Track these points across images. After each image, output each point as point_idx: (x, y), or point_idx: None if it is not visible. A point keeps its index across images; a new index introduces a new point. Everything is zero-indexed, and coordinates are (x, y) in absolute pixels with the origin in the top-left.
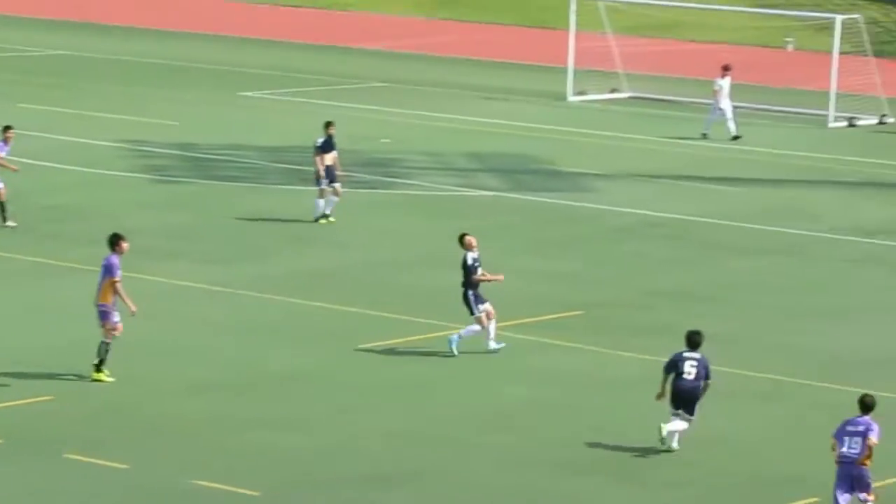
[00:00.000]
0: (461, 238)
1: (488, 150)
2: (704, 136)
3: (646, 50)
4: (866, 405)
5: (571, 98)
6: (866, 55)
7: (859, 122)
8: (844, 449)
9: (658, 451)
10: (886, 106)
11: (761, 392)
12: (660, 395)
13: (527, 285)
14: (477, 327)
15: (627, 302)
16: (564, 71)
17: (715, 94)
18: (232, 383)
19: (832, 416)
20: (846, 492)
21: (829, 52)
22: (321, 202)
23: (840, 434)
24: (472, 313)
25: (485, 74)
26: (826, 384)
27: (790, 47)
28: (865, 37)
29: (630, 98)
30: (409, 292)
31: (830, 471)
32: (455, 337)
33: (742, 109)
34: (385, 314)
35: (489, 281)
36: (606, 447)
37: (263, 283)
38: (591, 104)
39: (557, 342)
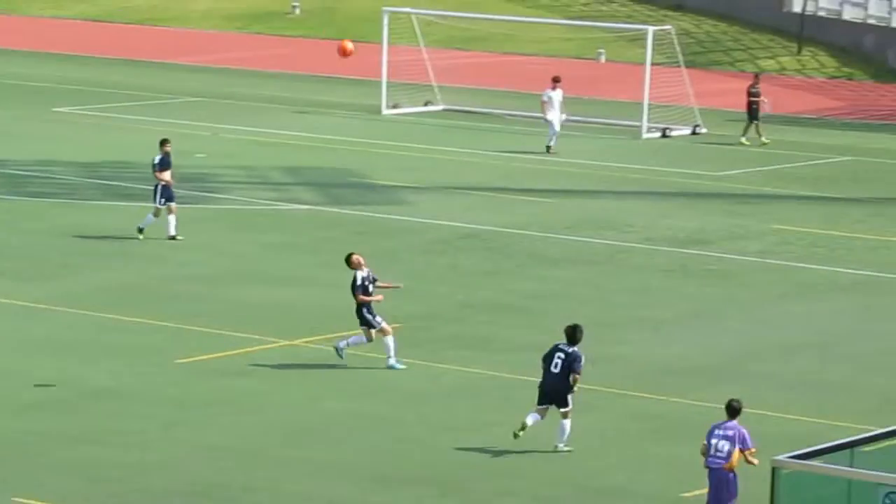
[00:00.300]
0: (348, 258)
1: (303, 163)
2: (548, 150)
3: (459, 63)
4: (734, 409)
5: (386, 111)
6: (678, 66)
7: (673, 133)
8: (712, 453)
9: (480, 462)
10: (699, 116)
11: (578, 403)
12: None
13: (344, 299)
14: (363, 339)
15: (444, 315)
16: (378, 84)
17: (543, 105)
18: (53, 401)
19: (649, 427)
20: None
21: (642, 64)
22: (152, 218)
23: (709, 438)
24: (372, 326)
25: (299, 88)
26: (641, 394)
27: (602, 59)
28: (677, 48)
29: (444, 111)
30: (225, 306)
31: (652, 480)
32: (342, 343)
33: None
34: (202, 329)
35: (389, 288)
36: (427, 459)
37: (80, 300)
38: (405, 117)
39: (376, 355)
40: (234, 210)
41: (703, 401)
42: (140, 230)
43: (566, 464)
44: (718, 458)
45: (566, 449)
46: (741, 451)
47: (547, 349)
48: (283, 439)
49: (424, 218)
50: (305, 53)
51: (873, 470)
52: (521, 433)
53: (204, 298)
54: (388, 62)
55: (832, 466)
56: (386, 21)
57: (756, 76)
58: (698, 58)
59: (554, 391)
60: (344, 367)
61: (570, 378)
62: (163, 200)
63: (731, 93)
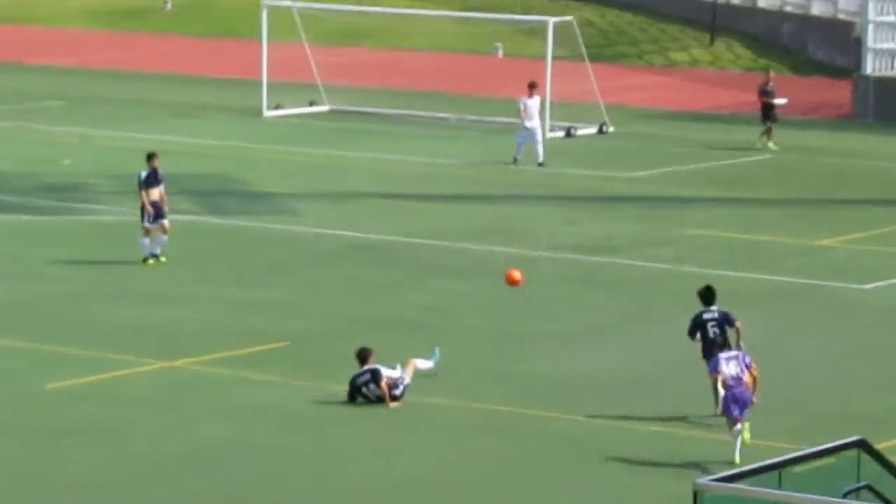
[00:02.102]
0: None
1: (180, 170)
2: (515, 162)
3: (345, 60)
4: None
5: (267, 113)
6: (582, 60)
7: (578, 132)
8: (729, 372)
9: (385, 496)
10: (605, 114)
11: (477, 424)
12: None
13: (226, 316)
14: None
15: (335, 331)
16: (258, 84)
17: (520, 112)
18: None
19: (555, 446)
20: (740, 410)
21: (542, 58)
22: (146, 241)
23: (718, 368)
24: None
25: (173, 90)
26: (548, 413)
27: (499, 53)
28: (580, 40)
29: (330, 111)
30: (95, 327)
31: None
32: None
33: (449, 122)
34: (71, 351)
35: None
36: (321, 495)
37: None
38: (289, 119)
39: (260, 377)
40: (104, 222)
41: (618, 419)
42: (144, 260)
43: (469, 493)
44: (738, 381)
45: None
46: (748, 370)
47: (689, 324)
48: (147, 472)
49: (313, 227)
50: (180, 51)
51: (803, 492)
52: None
53: (74, 319)
54: (268, 60)
55: (759, 489)
56: (264, 15)
57: (767, 72)
58: (604, 50)
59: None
60: (226, 389)
61: (735, 331)
62: (151, 218)
63: (639, 88)
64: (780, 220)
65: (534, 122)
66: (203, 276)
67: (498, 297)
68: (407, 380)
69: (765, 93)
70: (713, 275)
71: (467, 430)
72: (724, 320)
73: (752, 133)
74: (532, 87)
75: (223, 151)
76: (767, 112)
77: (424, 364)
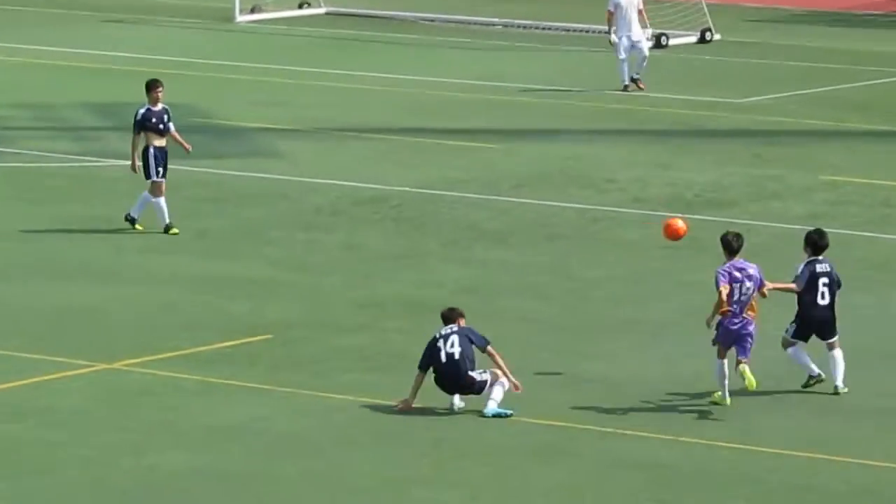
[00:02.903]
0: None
1: (121, 98)
2: (627, 89)
3: None
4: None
5: (241, 18)
6: None
7: (671, 41)
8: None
9: None
10: (709, 16)
11: (531, 446)
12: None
13: (189, 299)
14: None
15: (335, 320)
16: None
17: (608, 17)
18: None
19: (643, 477)
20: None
21: None
22: (161, 202)
23: (728, 280)
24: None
25: None
26: (631, 430)
27: None
28: None
29: (327, 14)
30: (11, 314)
31: None
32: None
33: (494, 28)
34: None
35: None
36: None
37: None
38: (270, 26)
39: (233, 382)
40: (17, 170)
41: (733, 440)
42: (132, 221)
43: None
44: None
45: (846, 390)
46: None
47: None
48: None
49: (304, 176)
50: None
51: None
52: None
53: None
54: None
55: None
56: None
57: None
58: None
59: (829, 325)
60: (186, 399)
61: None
62: (160, 171)
63: None
64: None
65: (629, 29)
66: (154, 244)
67: (561, 272)
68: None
69: None
70: (860, 237)
71: (517, 455)
72: (838, 282)
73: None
74: None
75: (180, 70)
76: None
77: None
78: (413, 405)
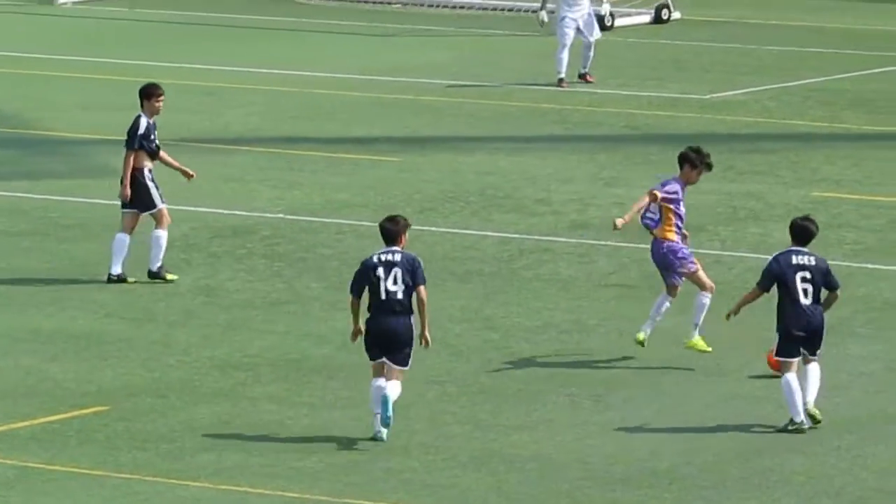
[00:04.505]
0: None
1: None
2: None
3: None
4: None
5: None
6: None
7: (620, 21)
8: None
9: None
10: None
11: None
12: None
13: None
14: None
15: (188, 386)
16: None
17: None
18: None
19: None
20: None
21: None
22: (161, 239)
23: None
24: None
25: None
26: None
27: None
28: None
29: None
30: None
31: None
32: None
33: (394, 7)
34: None
35: None
36: None
37: None
38: (102, 8)
39: (58, 466)
40: None
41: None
42: (160, 274)
43: None
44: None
45: (816, 412)
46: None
47: (767, 269)
48: None
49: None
50: None
51: None
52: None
53: None
54: None
55: None
56: None
57: None
58: None
59: (812, 333)
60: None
61: (829, 300)
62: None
63: None
64: None
65: (583, 13)
66: None
67: (479, 318)
68: None
69: None
70: (861, 270)
71: None
72: (824, 276)
73: None
74: None
75: None
76: None
77: None
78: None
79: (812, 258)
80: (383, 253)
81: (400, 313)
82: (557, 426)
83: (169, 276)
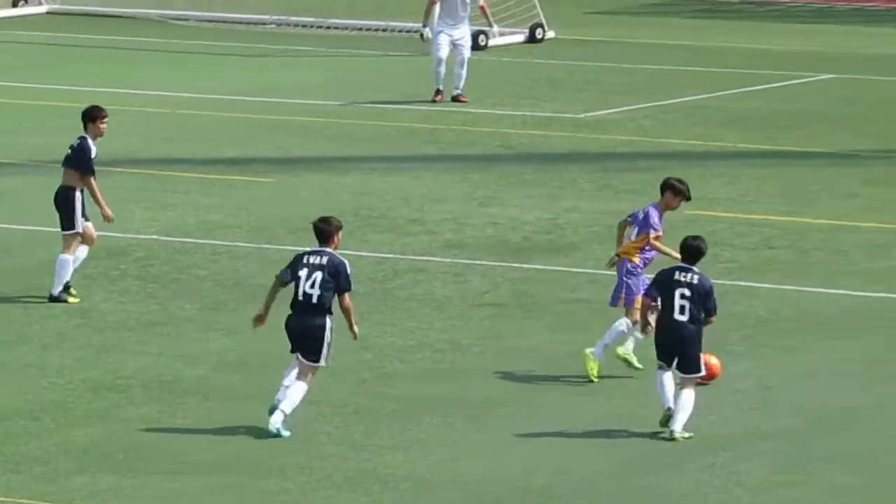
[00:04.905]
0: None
1: None
2: (437, 95)
3: None
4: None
5: None
6: None
7: (493, 42)
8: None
9: None
10: (540, 8)
11: None
12: None
13: None
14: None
15: (61, 408)
16: None
17: (429, 6)
18: None
19: None
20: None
21: None
22: (81, 257)
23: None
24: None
25: None
26: None
27: None
28: None
29: (48, 14)
30: None
31: None
32: None
33: (269, 28)
34: None
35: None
36: None
37: None
38: None
39: None
40: None
41: None
42: (67, 290)
43: None
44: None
45: (686, 435)
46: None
47: (654, 282)
48: None
49: (21, 223)
50: None
51: None
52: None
53: None
54: None
55: None
56: None
57: None
58: None
59: (679, 349)
60: None
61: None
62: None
63: None
64: (858, 186)
65: (459, 28)
66: None
67: (354, 339)
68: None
69: None
70: (735, 288)
71: None
72: (703, 297)
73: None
74: None
75: None
76: None
77: None
78: (266, 316)
79: (696, 277)
80: (312, 254)
81: (313, 314)
82: (432, 446)
83: (71, 300)
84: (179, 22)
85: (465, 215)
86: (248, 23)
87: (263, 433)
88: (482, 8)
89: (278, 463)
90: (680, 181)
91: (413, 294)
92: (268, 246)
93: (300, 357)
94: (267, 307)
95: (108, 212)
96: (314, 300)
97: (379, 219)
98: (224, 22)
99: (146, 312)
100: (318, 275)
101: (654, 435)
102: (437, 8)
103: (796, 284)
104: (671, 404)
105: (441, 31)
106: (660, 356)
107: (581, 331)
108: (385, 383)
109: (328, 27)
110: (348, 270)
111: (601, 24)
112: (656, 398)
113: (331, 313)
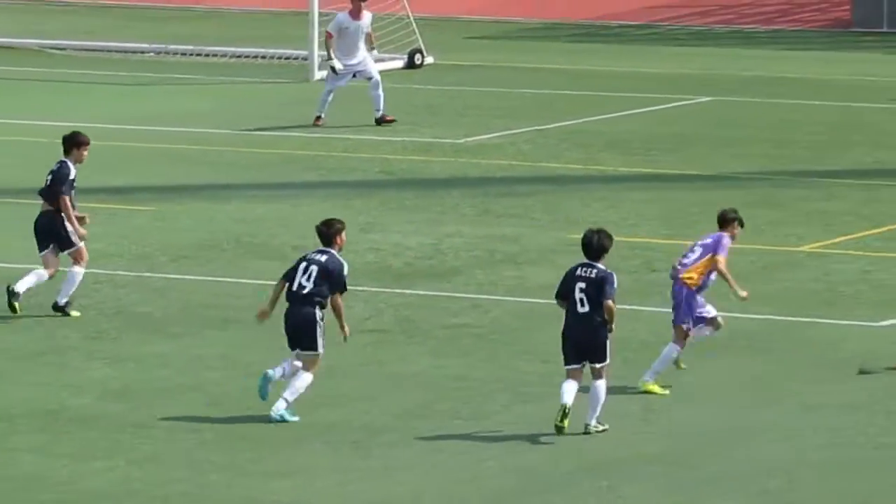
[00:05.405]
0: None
1: None
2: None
3: None
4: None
5: None
6: None
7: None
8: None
9: None
10: (420, 36)
11: None
12: None
13: None
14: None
15: None
16: None
17: (328, 40)
18: None
19: None
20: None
21: None
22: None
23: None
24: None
25: None
26: None
27: None
28: None
29: None
30: None
31: None
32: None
33: (147, 56)
34: None
35: None
36: None
37: None
38: None
39: None
40: None
41: None
42: (64, 308)
43: None
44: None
45: (600, 428)
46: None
47: (559, 282)
48: None
49: None
50: None
51: None
52: (565, 422)
53: None
54: None
55: None
56: None
57: None
58: None
59: (586, 340)
60: None
61: (604, 310)
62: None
63: None
64: (738, 208)
65: (357, 55)
66: None
67: (238, 365)
68: None
69: None
70: (621, 311)
71: None
72: (599, 286)
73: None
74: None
75: None
76: None
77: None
78: (269, 312)
79: (594, 271)
80: (315, 252)
81: (303, 305)
82: (318, 472)
83: (74, 313)
84: (58, 51)
85: (346, 241)
86: (126, 51)
87: (147, 461)
88: (368, 34)
89: (163, 491)
90: (734, 211)
91: None
92: (149, 274)
93: (300, 352)
94: (271, 304)
95: (83, 231)
96: (305, 291)
97: (260, 246)
98: (103, 51)
99: (30, 341)
100: (315, 269)
101: (541, 458)
102: (338, 41)
103: None
104: (569, 402)
105: (338, 58)
106: (568, 355)
107: (463, 356)
108: (267, 410)
109: (207, 55)
110: (345, 272)
111: (480, 50)
112: (545, 423)
113: (322, 307)
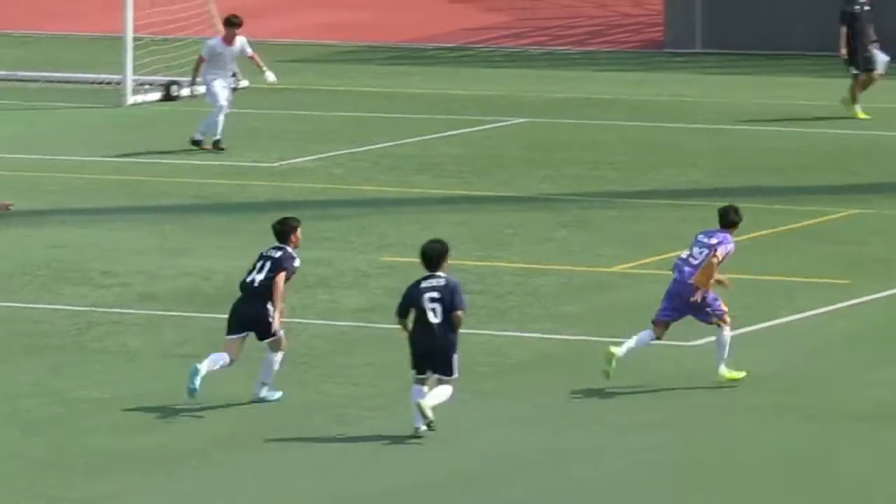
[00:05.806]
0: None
1: None
2: (197, 144)
3: None
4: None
5: None
6: None
7: (183, 91)
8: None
9: None
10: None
11: None
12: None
13: None
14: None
15: None
16: None
17: (199, 64)
18: None
19: None
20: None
21: None
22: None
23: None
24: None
25: None
26: None
27: None
28: None
29: None
30: None
31: None
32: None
33: None
34: None
35: None
36: None
37: None
38: None
39: None
40: None
41: None
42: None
43: None
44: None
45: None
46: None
47: (401, 299)
48: None
49: None
50: None
51: None
52: (429, 426)
53: None
54: None
55: None
56: None
57: None
58: None
59: (436, 350)
60: None
61: (453, 320)
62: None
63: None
64: (551, 229)
65: (220, 81)
66: None
67: (49, 393)
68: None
69: (853, 14)
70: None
71: None
72: (450, 294)
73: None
74: (234, 26)
75: None
76: (859, 48)
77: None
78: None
79: (441, 280)
80: (270, 248)
81: (255, 299)
82: (128, 499)
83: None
84: None
85: (158, 266)
86: None
87: None
88: (252, 57)
89: None
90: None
91: (107, 346)
92: None
93: (262, 341)
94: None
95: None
96: (255, 285)
97: (72, 272)
98: None
99: None
100: (267, 265)
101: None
102: (210, 64)
103: (492, 329)
104: (421, 425)
105: (216, 79)
106: (416, 366)
107: (281, 379)
108: (78, 437)
109: (20, 80)
110: (295, 263)
111: (293, 73)
112: (362, 445)
113: (269, 300)
